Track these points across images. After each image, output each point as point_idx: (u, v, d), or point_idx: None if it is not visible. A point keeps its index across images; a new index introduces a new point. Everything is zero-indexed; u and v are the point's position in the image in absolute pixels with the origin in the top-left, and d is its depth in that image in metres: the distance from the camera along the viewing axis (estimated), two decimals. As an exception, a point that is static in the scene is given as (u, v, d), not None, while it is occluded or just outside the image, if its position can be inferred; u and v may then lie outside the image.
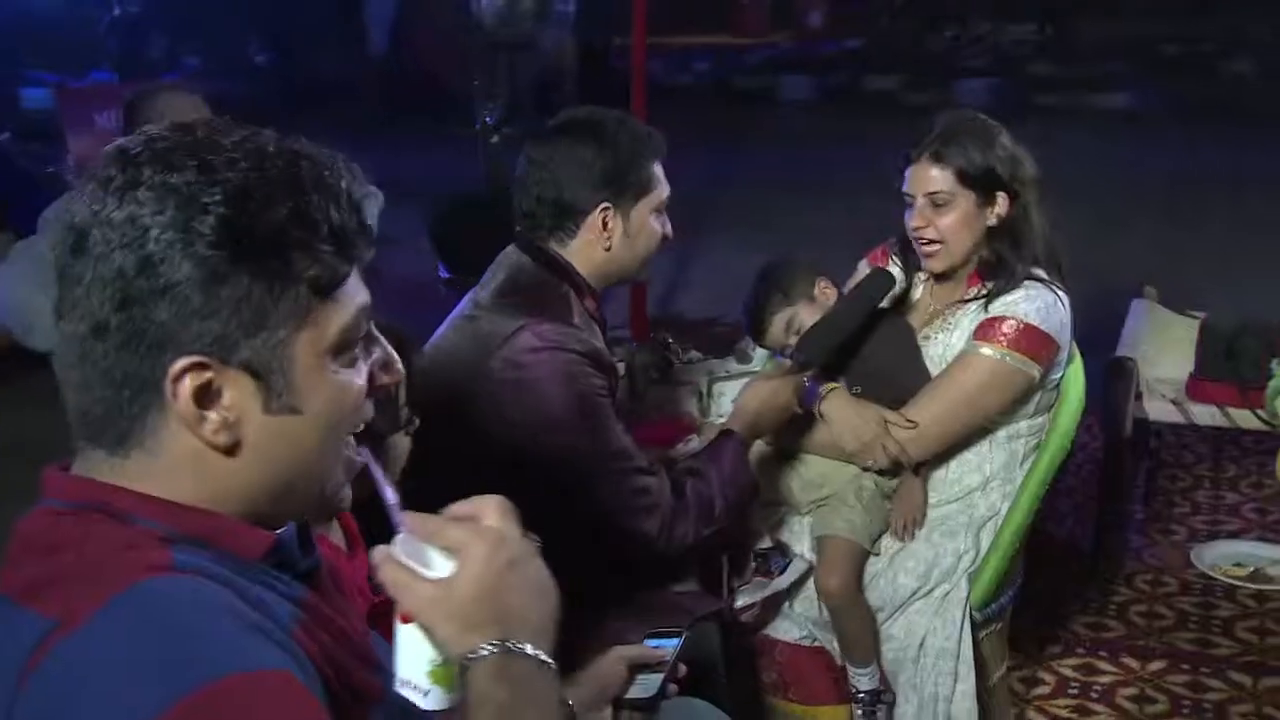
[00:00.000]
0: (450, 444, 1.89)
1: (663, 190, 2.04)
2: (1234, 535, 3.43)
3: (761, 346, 2.46)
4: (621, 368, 3.19)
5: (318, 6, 14.85)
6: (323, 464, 0.99)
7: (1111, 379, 3.05)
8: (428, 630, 0.96)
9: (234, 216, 0.88)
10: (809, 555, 2.29)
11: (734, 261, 6.83)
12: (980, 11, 18.60)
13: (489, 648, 0.93)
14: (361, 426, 1.02)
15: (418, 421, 1.63)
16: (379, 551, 0.98)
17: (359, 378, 0.99)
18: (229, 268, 0.89)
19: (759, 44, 18.64)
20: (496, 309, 1.95)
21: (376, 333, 1.02)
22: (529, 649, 0.94)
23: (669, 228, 2.07)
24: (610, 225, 1.98)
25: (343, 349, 0.97)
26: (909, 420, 2.20)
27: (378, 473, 1.07)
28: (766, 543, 2.32)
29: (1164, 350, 3.34)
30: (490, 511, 1.01)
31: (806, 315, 2.27)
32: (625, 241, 2.01)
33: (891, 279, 2.30)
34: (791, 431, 2.32)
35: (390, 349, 1.03)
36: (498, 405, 1.88)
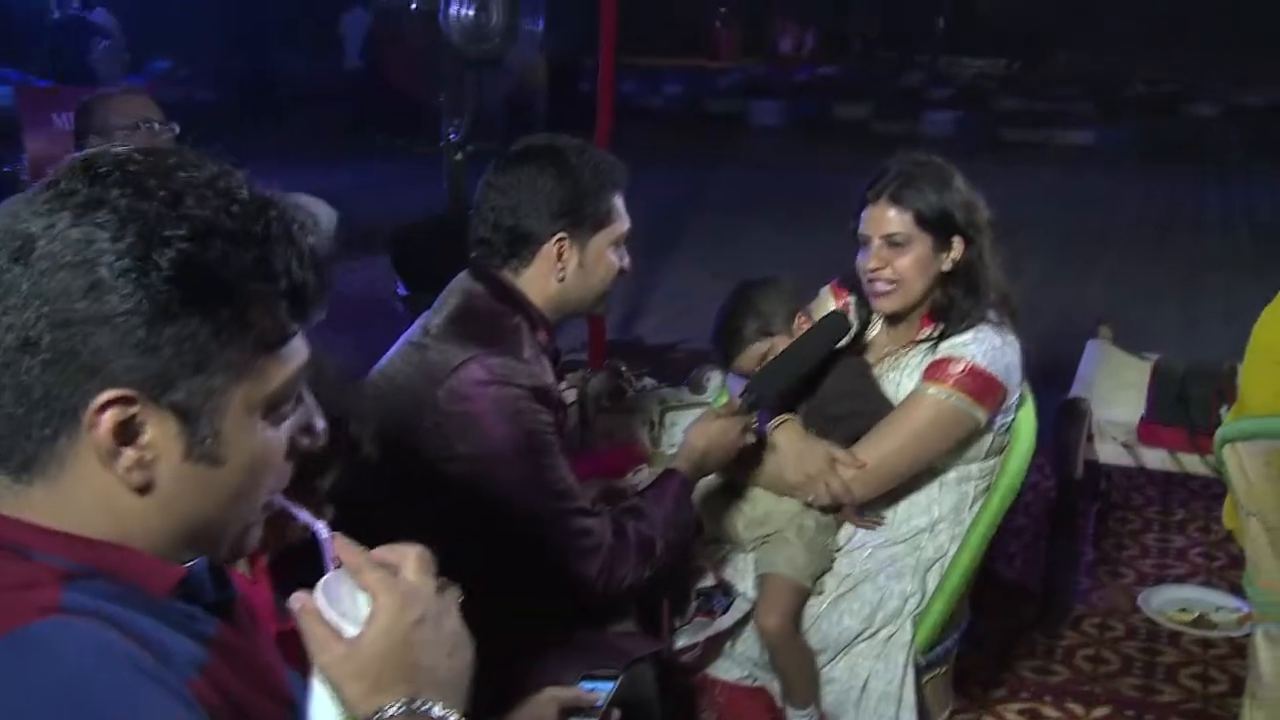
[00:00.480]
0: (397, 473, 1.85)
1: (622, 223, 2.01)
2: (1181, 580, 3.43)
3: (728, 369, 2.43)
4: (573, 394, 3.17)
5: (294, 17, 14.79)
6: (232, 516, 0.96)
7: (1064, 420, 3.05)
8: (335, 689, 0.92)
9: (196, 254, 0.86)
10: (752, 593, 2.26)
11: (696, 286, 6.84)
12: (950, 46, 18.87)
13: (395, 708, 0.90)
14: (276, 490, 0.99)
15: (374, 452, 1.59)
16: (297, 599, 0.95)
17: (283, 438, 0.97)
18: (180, 307, 0.86)
19: (732, 68, 18.77)
20: (446, 338, 1.91)
21: (307, 394, 0.99)
22: (437, 709, 0.91)
23: (627, 261, 2.04)
24: (565, 256, 1.95)
25: (275, 406, 0.95)
26: (855, 460, 2.18)
27: (301, 513, 1.03)
28: (710, 581, 2.29)
29: (1117, 392, 3.34)
30: (408, 563, 0.97)
31: (782, 349, 2.25)
32: (580, 273, 1.97)
33: (847, 324, 2.29)
34: (739, 464, 2.29)
35: (316, 413, 1.00)
36: (443, 437, 1.84)
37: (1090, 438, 3.13)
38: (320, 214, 3.21)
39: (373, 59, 11.58)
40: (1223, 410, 2.99)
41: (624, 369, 3.09)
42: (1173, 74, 15.81)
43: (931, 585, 2.28)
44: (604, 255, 1.99)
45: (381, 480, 1.87)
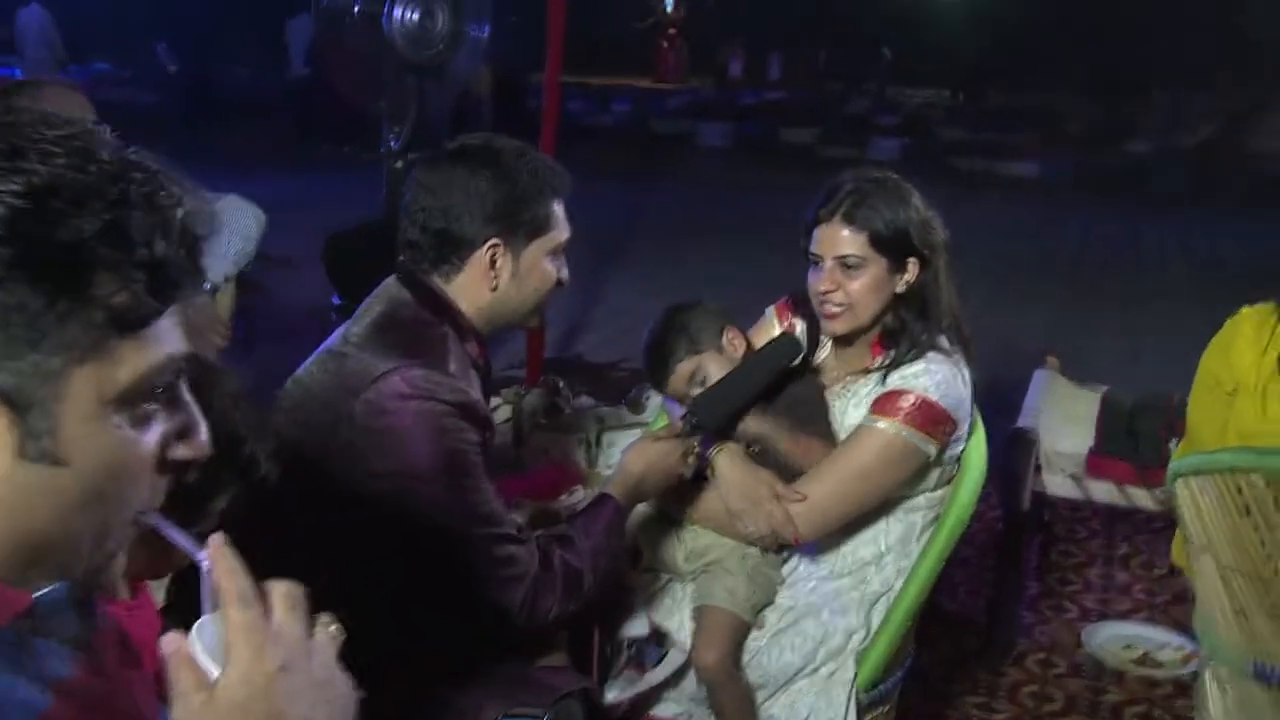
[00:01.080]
0: (307, 491, 1.71)
1: (561, 232, 1.89)
2: (1124, 616, 3.38)
3: (660, 394, 2.32)
4: (507, 410, 3.04)
5: (239, 23, 14.55)
6: (83, 531, 0.82)
7: (1012, 450, 2.98)
8: None
9: (30, 213, 0.74)
10: (689, 628, 2.14)
11: (638, 303, 6.74)
12: (897, 74, 19.04)
13: None
14: (145, 505, 0.86)
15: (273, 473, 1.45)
16: (169, 641, 0.83)
17: (149, 441, 0.83)
18: (6, 269, 0.74)
19: (680, 89, 18.78)
20: (367, 347, 1.78)
21: (189, 398, 0.87)
22: None
23: (565, 272, 1.92)
24: (499, 264, 1.82)
25: (134, 401, 0.81)
26: (798, 494, 2.08)
27: (179, 537, 0.90)
28: (642, 627, 2.16)
29: (1064, 423, 3.28)
30: (275, 602, 0.85)
31: (713, 367, 2.15)
32: (513, 283, 1.85)
33: (799, 347, 2.19)
34: (676, 496, 2.18)
35: (199, 419, 0.87)
36: (359, 454, 1.71)
37: (1038, 469, 3.06)
38: (249, 217, 3.06)
39: (317, 65, 11.39)
40: (1172, 444, 2.94)
41: (561, 385, 2.97)
42: (1109, 112, 16.08)
43: (877, 620, 2.18)
44: (540, 265, 1.86)
45: (288, 499, 1.74)
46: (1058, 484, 3.07)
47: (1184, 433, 2.99)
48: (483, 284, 1.83)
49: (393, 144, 4.60)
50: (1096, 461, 3.04)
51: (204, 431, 0.88)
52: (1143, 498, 2.97)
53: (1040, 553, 3.68)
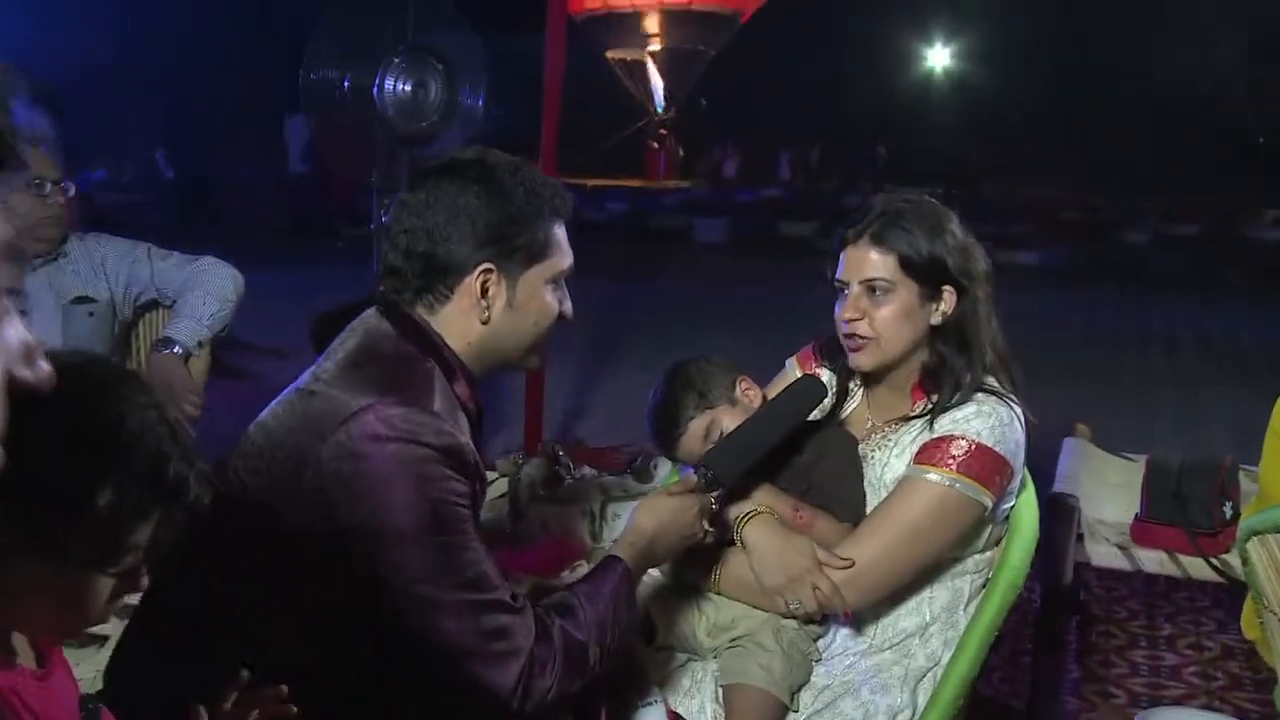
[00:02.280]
0: (265, 548, 1.48)
1: (562, 259, 1.67)
2: (1178, 702, 3.10)
3: (672, 459, 2.09)
4: (503, 485, 2.80)
5: (240, 123, 14.66)
6: None
7: (1051, 517, 2.72)
8: None
9: None
10: (710, 714, 1.89)
11: (639, 390, 6.57)
12: (892, 173, 19.16)
13: None
14: None
15: None
16: None
17: None
18: None
19: (675, 189, 18.85)
20: (338, 384, 1.54)
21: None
22: None
23: (569, 305, 1.70)
24: (491, 292, 1.61)
25: None
26: (843, 559, 1.84)
27: None
28: (658, 714, 1.91)
29: (1103, 490, 3.05)
30: None
31: (728, 421, 1.93)
32: (508, 315, 1.63)
33: (823, 389, 1.98)
34: (695, 563, 1.95)
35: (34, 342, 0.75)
36: (326, 504, 1.46)
37: (1079, 538, 2.81)
38: (225, 279, 2.87)
39: (315, 161, 11.43)
40: (1226, 507, 2.71)
41: (561, 454, 2.74)
42: (1105, 204, 16.18)
43: (923, 700, 1.93)
44: (538, 294, 1.64)
45: (242, 559, 1.51)
46: (1102, 554, 2.82)
47: (1237, 496, 2.79)
48: (473, 315, 1.61)
49: (384, 218, 4.43)
50: (1144, 528, 2.79)
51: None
52: (1197, 567, 2.72)
53: (1078, 635, 3.42)
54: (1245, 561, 2.17)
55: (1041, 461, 3.28)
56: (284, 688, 1.32)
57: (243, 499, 1.52)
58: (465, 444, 1.53)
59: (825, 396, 1.97)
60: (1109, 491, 3.06)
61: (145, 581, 1.10)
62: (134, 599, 1.44)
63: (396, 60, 4.46)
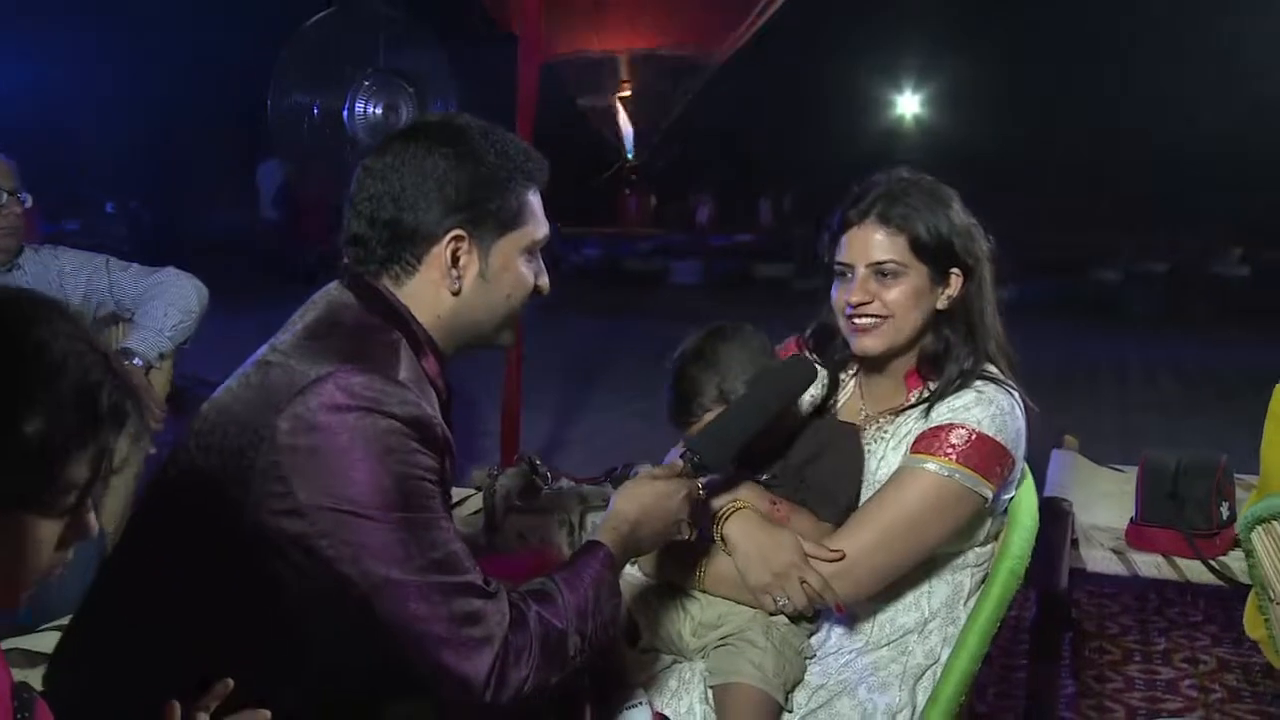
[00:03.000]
0: (218, 531, 1.38)
1: (537, 227, 1.58)
2: (1177, 715, 3.01)
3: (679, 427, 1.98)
4: (478, 501, 2.71)
5: (213, 170, 14.60)
6: None
7: (1046, 521, 2.64)
8: None
9: None
10: (699, 715, 1.78)
11: (617, 424, 6.51)
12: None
13: None
14: None
15: None
16: None
17: None
18: None
19: (648, 235, 18.85)
20: (297, 354, 1.44)
21: None
22: None
23: (545, 278, 1.61)
24: (463, 261, 1.51)
25: None
26: (832, 551, 1.75)
27: None
28: (644, 717, 1.80)
29: (1095, 499, 2.97)
30: None
31: None
32: (480, 285, 1.54)
33: (814, 369, 1.89)
34: (678, 560, 1.85)
35: None
36: (281, 481, 1.36)
37: (1074, 543, 2.73)
38: (188, 289, 2.77)
39: (287, 207, 11.36)
40: (1223, 508, 2.63)
41: (538, 463, 2.65)
42: (1078, 243, 16.33)
43: (922, 698, 1.83)
44: (513, 264, 1.55)
45: (193, 543, 1.41)
46: (1097, 558, 2.73)
47: (1234, 497, 2.72)
48: (443, 286, 1.52)
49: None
50: (1139, 531, 2.70)
51: None
52: (1195, 571, 2.63)
53: (1072, 650, 3.32)
54: (1249, 554, 2.10)
55: (1032, 467, 3.23)
56: (267, 713, 1.21)
57: (194, 478, 1.43)
58: (433, 416, 1.44)
59: (816, 377, 1.89)
60: (1101, 500, 2.98)
61: (94, 526, 1.00)
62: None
63: (366, 84, 4.41)
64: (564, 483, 2.73)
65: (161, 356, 2.67)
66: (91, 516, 1.00)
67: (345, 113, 4.29)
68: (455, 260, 1.51)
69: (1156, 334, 10.38)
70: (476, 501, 2.75)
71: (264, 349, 1.50)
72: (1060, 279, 14.02)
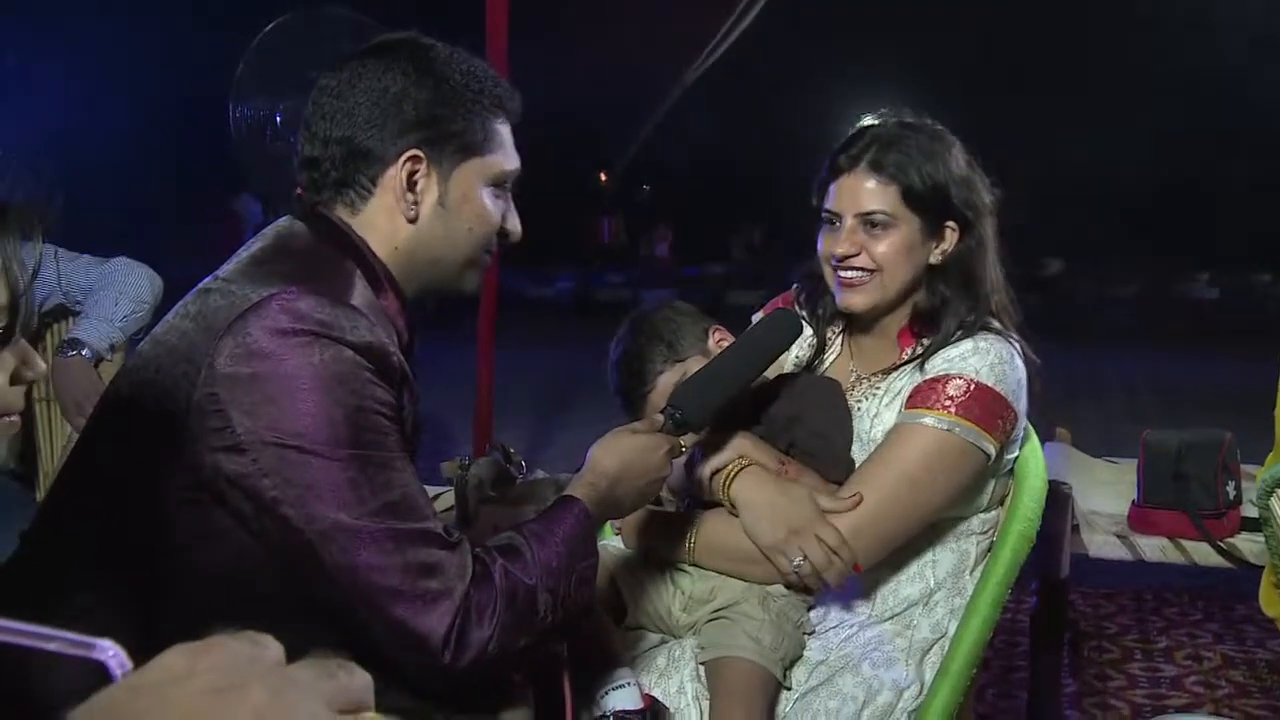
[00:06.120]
0: (149, 472, 1.24)
1: (505, 159, 1.44)
2: (1185, 710, 2.89)
3: (636, 419, 1.87)
4: (449, 499, 2.56)
5: (186, 204, 14.43)
6: None
7: (1046, 504, 2.53)
8: None
9: None
10: (693, 708, 1.64)
11: (587, 448, 6.42)
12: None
13: None
14: None
15: None
16: None
17: None
18: None
19: (619, 266, 18.81)
20: (240, 279, 1.31)
21: None
22: None
23: (515, 220, 1.47)
24: (420, 186, 1.38)
25: None
26: (852, 497, 1.62)
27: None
28: (631, 698, 1.64)
29: (1093, 488, 2.86)
30: None
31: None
32: (439, 215, 1.40)
33: (798, 322, 1.77)
34: (664, 533, 1.73)
35: None
36: (219, 415, 1.21)
37: (1075, 529, 2.62)
38: (141, 278, 2.62)
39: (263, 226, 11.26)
40: (1229, 486, 2.53)
41: (512, 452, 2.50)
42: (1046, 267, 16.44)
43: (930, 674, 1.70)
44: (475, 194, 1.41)
45: (129, 484, 1.27)
46: (1099, 543, 2.61)
47: (1239, 475, 2.61)
48: (398, 214, 1.38)
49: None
50: (1143, 515, 2.59)
51: None
52: (1202, 553, 2.52)
53: (1070, 650, 3.20)
54: (1266, 522, 1.99)
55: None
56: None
57: (126, 417, 1.29)
58: (389, 345, 1.30)
59: (801, 331, 1.77)
60: (1099, 488, 2.87)
61: (39, 360, 0.99)
62: None
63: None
64: (539, 472, 2.59)
65: (112, 348, 2.51)
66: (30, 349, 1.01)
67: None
68: (411, 184, 1.38)
69: (1130, 351, 10.40)
70: (447, 499, 2.61)
71: (206, 279, 1.36)
72: (1030, 301, 14.12)
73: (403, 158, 1.37)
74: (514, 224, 1.48)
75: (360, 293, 1.33)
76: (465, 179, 1.41)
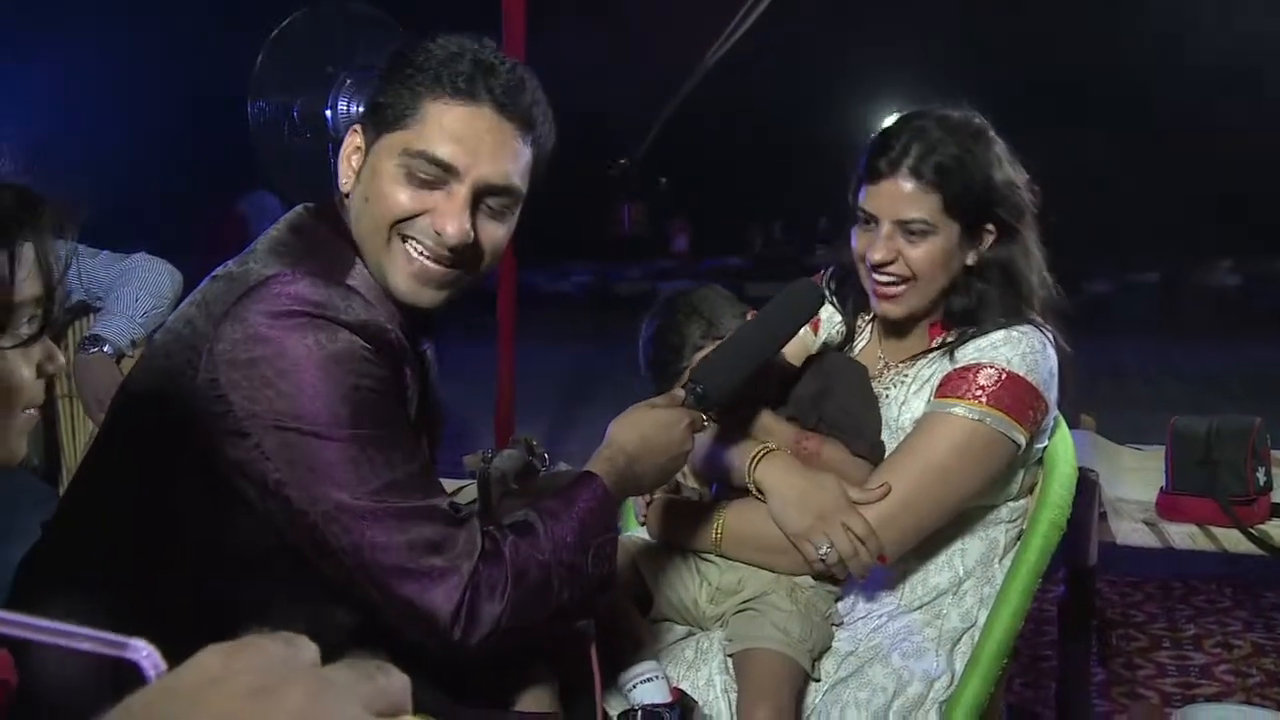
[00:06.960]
0: (154, 457, 1.25)
1: (423, 136, 1.32)
2: (1215, 699, 2.86)
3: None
4: (472, 491, 2.55)
5: (197, 204, 14.49)
6: None
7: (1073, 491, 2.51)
8: None
9: None
10: (721, 701, 1.62)
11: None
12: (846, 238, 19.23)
13: None
14: None
15: None
16: None
17: None
18: None
19: (637, 262, 18.82)
20: (246, 263, 1.32)
21: None
22: None
23: (446, 221, 1.32)
24: (354, 160, 1.39)
25: None
26: (881, 487, 1.60)
27: None
28: (659, 692, 1.63)
29: (1122, 475, 2.84)
30: None
31: None
32: (357, 188, 1.37)
33: (820, 294, 1.74)
34: (690, 523, 1.71)
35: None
36: (220, 399, 1.22)
37: (1102, 516, 2.59)
38: (162, 274, 2.63)
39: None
40: (1259, 472, 2.49)
41: (535, 444, 2.49)
42: (1064, 257, 16.39)
43: (960, 664, 1.69)
44: (383, 166, 1.33)
45: (137, 475, 1.27)
46: (1127, 531, 2.58)
47: (1270, 460, 2.58)
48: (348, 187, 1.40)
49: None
50: (1171, 501, 2.56)
51: None
52: (1233, 540, 2.49)
53: (1098, 639, 3.18)
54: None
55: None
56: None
57: (138, 406, 1.30)
58: (386, 324, 1.29)
59: (822, 300, 1.75)
60: (1126, 475, 2.85)
61: (60, 355, 1.02)
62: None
63: (348, 82, 4.29)
64: (562, 465, 2.58)
65: (134, 344, 2.51)
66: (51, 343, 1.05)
67: (327, 112, 4.16)
68: (350, 159, 1.40)
69: (1152, 339, 10.37)
70: (472, 491, 2.60)
71: (218, 267, 1.37)
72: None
73: (349, 133, 1.40)
74: (453, 229, 1.31)
75: (360, 272, 1.35)
76: (381, 152, 1.35)
